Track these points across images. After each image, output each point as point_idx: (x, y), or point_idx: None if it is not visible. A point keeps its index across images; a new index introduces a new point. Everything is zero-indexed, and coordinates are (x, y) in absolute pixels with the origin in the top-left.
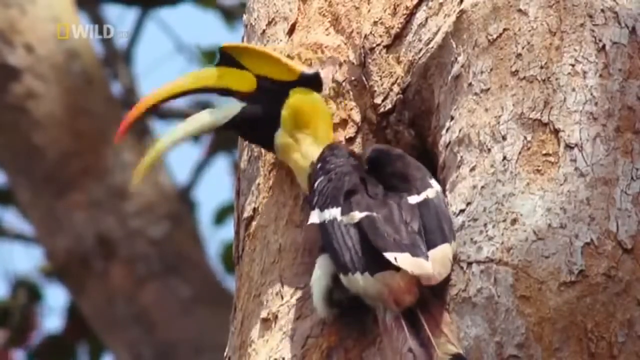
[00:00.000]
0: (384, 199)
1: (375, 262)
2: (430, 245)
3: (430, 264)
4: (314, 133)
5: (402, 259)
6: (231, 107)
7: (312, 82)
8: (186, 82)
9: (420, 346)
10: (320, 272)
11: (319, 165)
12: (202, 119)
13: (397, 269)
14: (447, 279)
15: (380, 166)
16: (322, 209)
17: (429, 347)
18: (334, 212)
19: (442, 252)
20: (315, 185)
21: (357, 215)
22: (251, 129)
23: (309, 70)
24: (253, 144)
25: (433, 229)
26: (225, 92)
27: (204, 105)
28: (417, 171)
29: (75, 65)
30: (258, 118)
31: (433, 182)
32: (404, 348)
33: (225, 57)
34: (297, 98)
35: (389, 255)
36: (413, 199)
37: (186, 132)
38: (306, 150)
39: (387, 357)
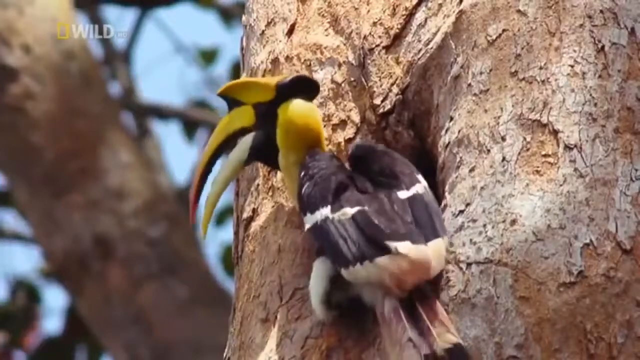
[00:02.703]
0: (374, 193)
1: (373, 249)
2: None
3: (430, 250)
4: (301, 154)
5: (402, 247)
6: (246, 140)
7: (297, 88)
8: (209, 147)
9: (420, 335)
10: (317, 275)
11: (302, 174)
12: (230, 164)
13: (397, 252)
14: (440, 275)
15: (366, 163)
16: (312, 212)
17: (428, 336)
18: (325, 212)
19: (436, 247)
20: (302, 191)
21: (349, 211)
22: (266, 156)
23: (284, 80)
24: (277, 169)
25: (425, 224)
26: (240, 132)
27: (200, 103)
28: (404, 167)
29: (72, 66)
30: (264, 144)
31: (420, 177)
32: (403, 338)
33: (228, 100)
34: (283, 118)
35: (390, 245)
36: (403, 194)
37: (225, 177)
38: (294, 174)
39: (386, 349)
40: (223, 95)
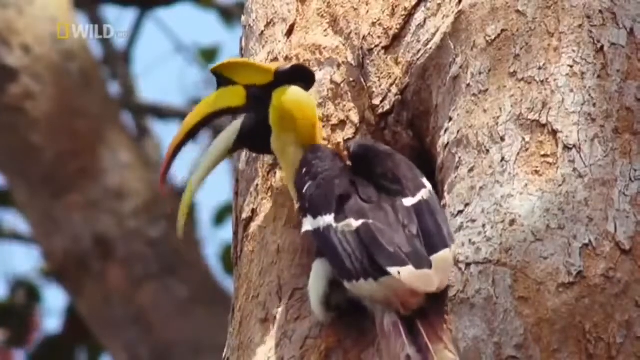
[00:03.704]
0: (378, 202)
1: (378, 267)
2: (431, 251)
3: (435, 274)
4: (296, 136)
5: (405, 273)
6: (233, 126)
7: (294, 77)
8: (191, 118)
9: (418, 352)
10: (316, 277)
11: (304, 170)
12: (215, 149)
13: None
14: (447, 286)
15: (369, 165)
16: (314, 216)
17: (426, 353)
18: (328, 219)
19: (443, 258)
20: (304, 191)
21: (354, 223)
22: (254, 140)
23: (284, 66)
24: (264, 154)
25: (432, 232)
26: (226, 112)
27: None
28: (408, 171)
29: (72, 66)
30: (254, 127)
31: (425, 180)
32: (402, 355)
33: (219, 78)
34: (278, 100)
35: (392, 270)
36: (408, 202)
37: (208, 168)
38: (290, 156)
39: None
40: (216, 72)
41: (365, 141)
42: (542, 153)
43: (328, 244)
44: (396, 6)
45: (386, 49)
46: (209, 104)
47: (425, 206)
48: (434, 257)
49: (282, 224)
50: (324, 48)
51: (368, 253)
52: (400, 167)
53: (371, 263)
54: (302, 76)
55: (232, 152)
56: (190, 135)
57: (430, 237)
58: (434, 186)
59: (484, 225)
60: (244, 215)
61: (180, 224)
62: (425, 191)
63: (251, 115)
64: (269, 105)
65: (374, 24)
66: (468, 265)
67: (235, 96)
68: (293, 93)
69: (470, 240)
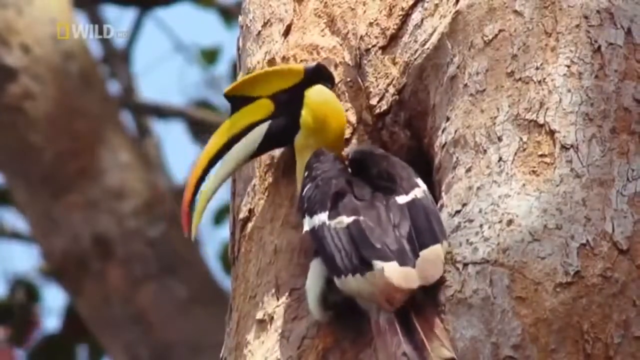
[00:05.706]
0: (371, 201)
1: (365, 262)
2: (422, 246)
3: (417, 273)
4: (322, 137)
5: (389, 269)
6: (257, 131)
7: (320, 75)
8: (210, 148)
9: (414, 350)
10: (313, 276)
11: (306, 174)
12: (235, 154)
13: (382, 273)
14: (440, 281)
15: (365, 167)
16: (311, 215)
17: (423, 350)
18: (322, 217)
19: (434, 253)
20: (304, 192)
21: (345, 220)
22: (280, 140)
23: (309, 65)
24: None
25: (423, 229)
26: (248, 129)
27: (201, 103)
28: (402, 171)
29: (71, 66)
30: (284, 129)
31: (419, 181)
32: (398, 352)
33: (234, 100)
34: (310, 99)
35: (376, 264)
36: (401, 199)
37: (225, 172)
38: (305, 160)
39: None
40: (232, 94)
41: (362, 147)
42: (540, 153)
43: (321, 240)
44: (393, 6)
45: (383, 49)
46: (227, 129)
47: (418, 204)
48: (424, 252)
49: (280, 224)
50: (321, 48)
51: (356, 248)
52: (395, 167)
53: (359, 259)
54: (325, 76)
55: (254, 157)
56: (210, 166)
57: (421, 234)
58: (432, 186)
59: (481, 226)
60: (241, 216)
61: (194, 229)
62: (419, 190)
63: (279, 120)
64: (300, 105)
65: (371, 24)
66: (465, 265)
67: (258, 110)
68: (326, 92)
69: (467, 240)
